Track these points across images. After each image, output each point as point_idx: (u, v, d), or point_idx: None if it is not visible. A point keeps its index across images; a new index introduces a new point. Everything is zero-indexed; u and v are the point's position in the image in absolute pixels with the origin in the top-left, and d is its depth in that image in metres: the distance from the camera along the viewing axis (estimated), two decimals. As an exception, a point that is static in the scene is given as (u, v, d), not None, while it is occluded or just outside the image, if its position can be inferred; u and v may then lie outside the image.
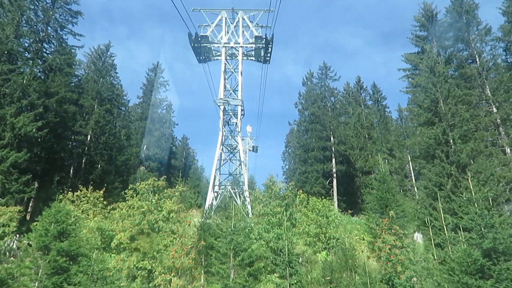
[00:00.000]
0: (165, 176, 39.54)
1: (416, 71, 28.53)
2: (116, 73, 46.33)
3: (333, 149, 40.25)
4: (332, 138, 40.75)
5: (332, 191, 38.86)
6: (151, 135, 42.78)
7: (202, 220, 15.02)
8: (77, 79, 41.25)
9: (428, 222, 12.25)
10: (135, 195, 15.55)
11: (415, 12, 27.71)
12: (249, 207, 22.62)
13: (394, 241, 15.24)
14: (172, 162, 61.90)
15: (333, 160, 39.94)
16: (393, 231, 16.01)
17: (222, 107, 27.41)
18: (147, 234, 13.93)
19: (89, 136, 36.24)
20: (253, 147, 77.78)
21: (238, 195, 26.97)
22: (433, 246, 11.64)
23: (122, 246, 13.31)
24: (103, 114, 36.67)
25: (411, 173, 56.12)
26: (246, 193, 23.64)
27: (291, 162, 73.66)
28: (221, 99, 24.78)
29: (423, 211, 18.40)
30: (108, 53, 41.90)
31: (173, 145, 65.01)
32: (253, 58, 32.08)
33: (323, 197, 39.02)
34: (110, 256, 14.51)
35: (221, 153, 27.23)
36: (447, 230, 11.63)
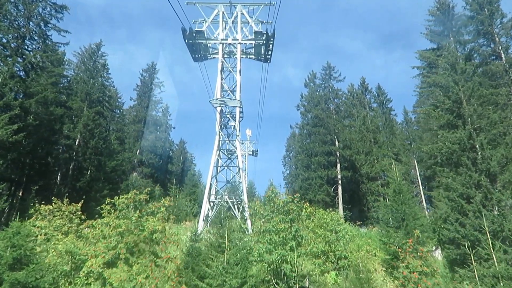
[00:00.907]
0: (152, 186, 36.98)
1: (432, 69, 26.17)
2: (109, 74, 44.08)
3: (338, 154, 37.85)
4: (336, 143, 38.36)
5: (337, 198, 36.43)
6: (145, 139, 40.42)
7: (191, 244, 12.55)
8: (66, 80, 39.09)
9: (469, 249, 9.81)
10: (113, 211, 13.14)
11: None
12: (248, 222, 20.22)
13: (420, 266, 12.84)
14: (169, 167, 59.55)
15: (338, 165, 37.54)
16: (419, 254, 13.62)
17: (219, 109, 25.08)
18: (125, 260, 11.51)
19: (77, 140, 33.91)
20: (252, 151, 75.39)
21: (236, 206, 24.57)
22: (477, 278, 9.20)
23: (92, 276, 10.88)
24: (92, 117, 34.33)
25: (417, 179, 53.89)
26: (245, 205, 21.24)
27: (292, 167, 71.25)
28: (217, 99, 22.43)
29: (449, 227, 15.95)
30: (99, 52, 39.62)
31: (170, 150, 62.70)
32: (253, 57, 29.78)
33: (330, 208, 36.54)
34: (83, 285, 12.08)
35: (217, 159, 24.86)
36: (496, 261, 9.20)
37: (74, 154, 33.61)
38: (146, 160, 38.76)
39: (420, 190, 52.75)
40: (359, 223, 31.13)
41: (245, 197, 22.53)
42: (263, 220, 15.79)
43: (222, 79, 27.51)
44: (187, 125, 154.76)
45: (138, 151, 39.33)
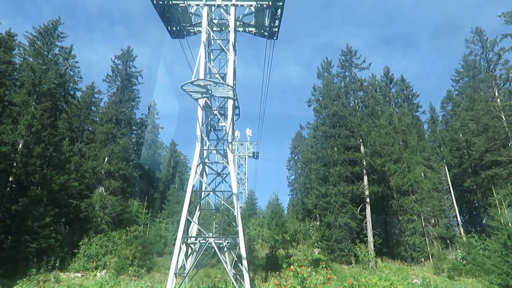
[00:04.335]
0: (123, 206, 28.29)
1: None
2: (75, 61, 35.52)
3: (364, 163, 29.08)
4: (362, 148, 29.58)
5: (365, 222, 27.63)
6: (115, 144, 31.67)
7: None
8: (13, 68, 30.57)
9: None
10: None
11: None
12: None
13: None
14: (157, 174, 50.99)
15: (365, 178, 28.76)
16: None
17: (201, 102, 16.39)
18: None
19: (18, 146, 25.31)
20: (253, 153, 66.98)
21: (227, 251, 15.96)
22: None
23: None
24: (40, 115, 25.67)
25: (449, 189, 45.25)
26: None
27: (298, 171, 62.47)
28: (193, 82, 13.57)
29: None
30: (56, 32, 30.85)
31: (157, 154, 54.21)
32: (253, 29, 20.90)
33: (356, 236, 27.88)
34: None
35: (200, 180, 16.18)
36: None
37: (14, 165, 25.02)
38: (115, 170, 29.97)
39: (453, 202, 44.19)
40: (411, 266, 22.41)
41: (242, 250, 13.71)
42: None
43: (209, 60, 18.93)
44: (190, 126, 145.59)
45: (106, 159, 30.53)
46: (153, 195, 46.22)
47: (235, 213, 15.07)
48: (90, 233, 23.49)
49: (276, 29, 20.31)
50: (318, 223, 37.67)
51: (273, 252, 24.32)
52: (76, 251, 21.31)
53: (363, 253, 23.83)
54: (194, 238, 15.66)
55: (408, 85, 46.39)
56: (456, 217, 43.87)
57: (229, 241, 16.05)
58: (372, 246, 26.02)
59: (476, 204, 49.44)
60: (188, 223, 15.90)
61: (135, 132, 43.17)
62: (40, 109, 26.29)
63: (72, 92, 35.49)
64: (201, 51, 17.04)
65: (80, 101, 41.65)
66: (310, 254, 32.96)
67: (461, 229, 42.73)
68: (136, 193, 35.80)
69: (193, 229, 16.98)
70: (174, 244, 24.26)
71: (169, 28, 19.90)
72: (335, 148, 29.12)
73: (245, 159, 68.30)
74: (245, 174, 68.17)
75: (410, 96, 45.55)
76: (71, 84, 34.16)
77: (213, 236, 15.47)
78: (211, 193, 16.30)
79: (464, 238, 38.94)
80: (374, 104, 31.60)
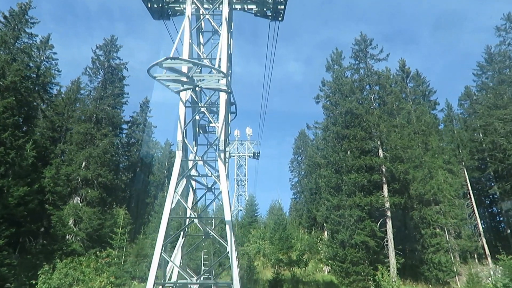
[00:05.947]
0: (101, 218, 24.21)
1: None
2: (53, 52, 31.35)
3: (384, 170, 24.83)
4: (381, 152, 25.32)
5: (386, 241, 23.39)
6: (94, 146, 27.46)
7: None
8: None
9: None
10: None
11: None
12: None
13: None
14: (150, 178, 46.77)
15: (385, 187, 24.52)
16: None
17: (184, 95, 12.22)
18: None
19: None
20: (253, 153, 62.86)
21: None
22: None
23: None
24: (0, 113, 21.49)
25: (469, 194, 40.96)
26: None
27: (302, 174, 58.31)
28: (161, 64, 9.26)
29: None
30: (26, 17, 26.58)
31: (150, 155, 50.01)
32: (254, 7, 16.59)
33: (372, 256, 23.57)
34: None
35: (180, 202, 11.95)
36: None
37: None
38: (94, 177, 25.73)
39: (474, 208, 39.91)
40: None
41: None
42: None
43: (198, 45, 14.86)
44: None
45: (83, 164, 26.30)
46: (145, 200, 42.14)
47: (229, 248, 10.84)
48: (57, 256, 19.38)
49: (282, 7, 16.00)
50: (326, 234, 33.57)
51: (278, 279, 20.18)
52: (34, 282, 17.20)
53: (386, 280, 19.68)
54: (172, 284, 11.45)
55: (424, 80, 42.15)
56: (478, 227, 39.63)
57: (221, 285, 11.89)
58: (395, 270, 21.83)
59: (497, 211, 45.48)
60: (165, 259, 11.79)
61: (126, 131, 39.18)
62: (0, 106, 22.13)
63: (50, 88, 31.35)
64: (184, 25, 12.79)
65: (64, 97, 37.59)
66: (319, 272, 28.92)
67: (483, 240, 38.43)
68: (123, 201, 31.58)
69: (175, 260, 12.79)
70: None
71: (149, 6, 15.61)
72: (349, 152, 24.90)
73: (245, 159, 64.21)
74: (245, 176, 64.15)
75: (427, 93, 41.35)
76: (47, 78, 29.96)
77: (199, 280, 11.26)
78: (197, 220, 12.05)
79: (487, 250, 34.91)
80: (394, 101, 27.29)
